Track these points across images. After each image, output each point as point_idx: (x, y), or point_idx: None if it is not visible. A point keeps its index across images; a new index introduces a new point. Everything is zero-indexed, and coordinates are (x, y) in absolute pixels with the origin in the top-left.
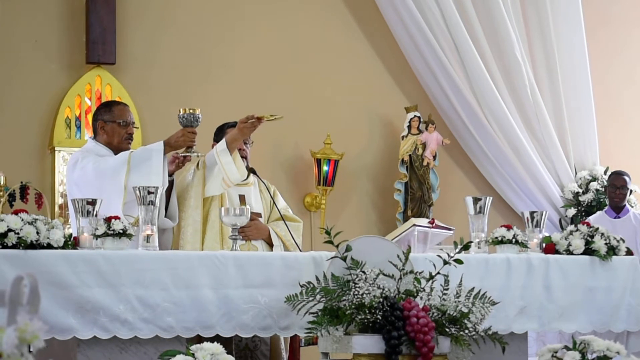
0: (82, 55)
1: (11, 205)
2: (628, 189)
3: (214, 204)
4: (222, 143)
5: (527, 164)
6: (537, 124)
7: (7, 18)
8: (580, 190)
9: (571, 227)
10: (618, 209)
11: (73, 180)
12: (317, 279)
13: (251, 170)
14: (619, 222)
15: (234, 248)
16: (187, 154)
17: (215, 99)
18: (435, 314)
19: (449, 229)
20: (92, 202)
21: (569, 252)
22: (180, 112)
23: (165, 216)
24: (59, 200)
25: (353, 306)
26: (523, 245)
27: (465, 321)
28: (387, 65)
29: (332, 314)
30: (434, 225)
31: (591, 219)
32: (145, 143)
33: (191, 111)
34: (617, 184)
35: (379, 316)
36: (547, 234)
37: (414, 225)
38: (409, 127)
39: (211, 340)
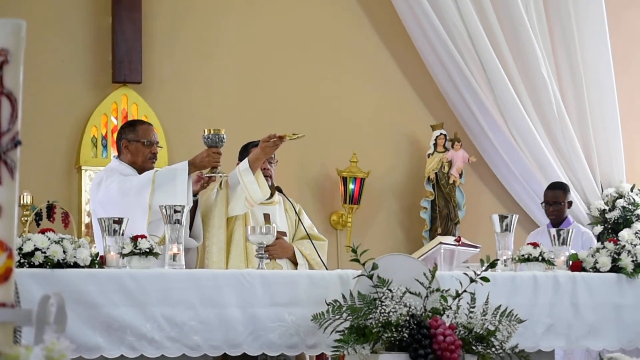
0: (108, 74)
1: (38, 225)
2: (563, 203)
3: (237, 223)
4: (245, 162)
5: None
6: (563, 141)
7: (34, 38)
8: (607, 208)
9: (598, 245)
10: (558, 223)
11: (97, 200)
12: (343, 297)
13: (277, 189)
14: None
15: (260, 267)
16: (212, 175)
17: (241, 119)
18: (462, 332)
19: (476, 247)
20: (119, 221)
21: (596, 270)
22: (205, 132)
23: (190, 236)
24: (86, 220)
25: (380, 324)
26: (550, 262)
27: (492, 339)
28: (413, 83)
29: (358, 332)
30: (460, 243)
31: (532, 234)
32: (171, 162)
33: (216, 131)
34: (549, 201)
35: (405, 334)
36: (573, 252)
37: (440, 243)
38: (435, 145)
39: (238, 358)
